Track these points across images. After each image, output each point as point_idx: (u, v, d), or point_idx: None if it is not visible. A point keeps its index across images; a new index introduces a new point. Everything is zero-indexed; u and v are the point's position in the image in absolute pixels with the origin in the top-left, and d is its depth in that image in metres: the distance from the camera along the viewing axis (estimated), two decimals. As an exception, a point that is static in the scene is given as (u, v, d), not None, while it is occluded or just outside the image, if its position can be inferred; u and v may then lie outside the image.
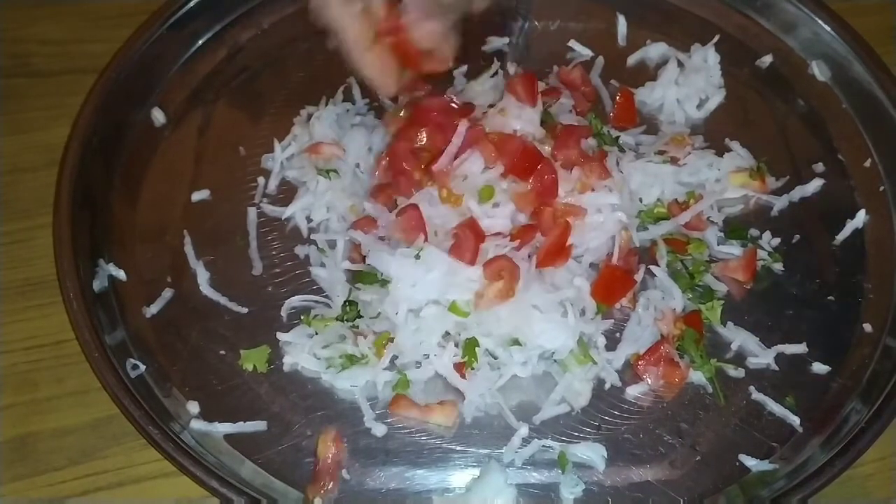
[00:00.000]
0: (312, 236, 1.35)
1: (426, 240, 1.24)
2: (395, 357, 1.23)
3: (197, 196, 1.39)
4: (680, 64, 1.52)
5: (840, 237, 1.38)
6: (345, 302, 1.27)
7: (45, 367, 1.25)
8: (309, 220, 1.37)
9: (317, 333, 1.25)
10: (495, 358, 1.23)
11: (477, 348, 1.21)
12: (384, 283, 1.24)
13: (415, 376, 1.23)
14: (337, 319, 1.26)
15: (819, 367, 1.26)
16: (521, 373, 1.23)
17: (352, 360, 1.23)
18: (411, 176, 1.30)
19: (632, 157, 1.40)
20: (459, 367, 1.22)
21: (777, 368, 1.26)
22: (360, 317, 1.26)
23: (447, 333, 1.24)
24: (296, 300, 1.29)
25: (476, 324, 1.23)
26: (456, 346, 1.22)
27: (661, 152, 1.41)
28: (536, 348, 1.22)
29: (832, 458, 1.15)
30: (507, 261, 1.22)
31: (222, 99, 1.51)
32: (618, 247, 1.30)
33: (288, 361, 1.25)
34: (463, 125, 1.28)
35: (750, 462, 1.19)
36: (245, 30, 1.59)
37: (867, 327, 1.30)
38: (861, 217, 1.39)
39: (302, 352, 1.24)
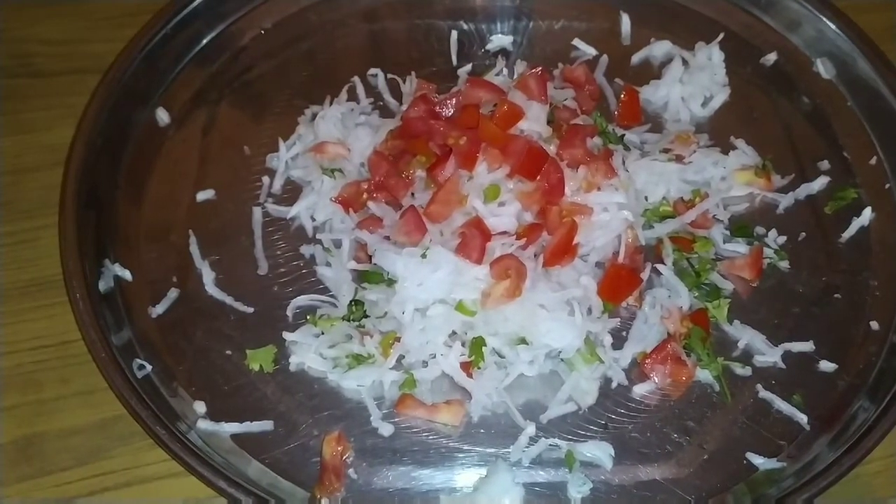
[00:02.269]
0: (318, 236, 1.35)
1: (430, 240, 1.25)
2: (401, 357, 1.23)
3: (202, 196, 1.39)
4: (684, 62, 1.52)
5: (846, 235, 1.37)
6: (351, 301, 1.27)
7: (51, 367, 1.25)
8: (313, 219, 1.37)
9: (323, 333, 1.25)
10: (502, 357, 1.23)
11: (484, 347, 1.21)
12: (391, 282, 1.24)
13: (421, 376, 1.22)
14: (343, 319, 1.26)
15: (826, 365, 1.26)
16: (528, 371, 1.22)
17: (358, 359, 1.22)
18: (404, 178, 1.31)
19: (637, 155, 1.40)
20: (466, 367, 1.22)
21: (784, 366, 1.26)
22: (367, 316, 1.25)
23: (454, 333, 1.23)
24: (302, 300, 1.29)
25: (483, 323, 1.22)
26: (463, 345, 1.22)
27: (666, 150, 1.41)
28: (543, 347, 1.22)
29: (840, 455, 1.15)
30: (514, 259, 1.21)
31: (226, 99, 1.51)
32: (624, 245, 1.30)
33: (294, 361, 1.24)
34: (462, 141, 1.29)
35: (757, 460, 1.19)
36: (248, 29, 1.59)
37: (874, 325, 1.30)
38: (867, 215, 1.38)
39: (308, 351, 1.24)
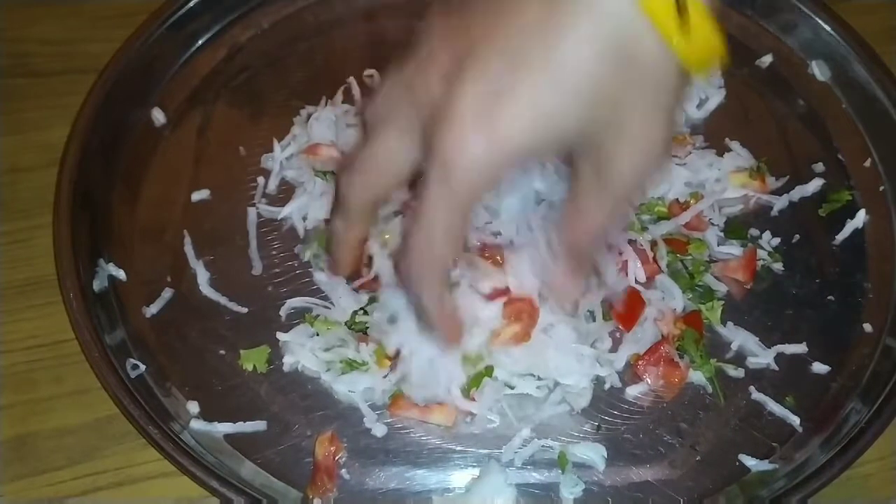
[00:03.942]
0: (306, 249, 1.34)
1: None
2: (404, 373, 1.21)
3: (197, 196, 1.39)
4: (680, 64, 1.52)
5: (840, 237, 1.38)
6: (356, 312, 1.25)
7: (45, 366, 1.25)
8: (304, 218, 1.37)
9: (318, 335, 1.25)
10: (511, 388, 1.22)
11: (486, 379, 1.19)
12: (393, 319, 1.21)
13: (414, 393, 1.21)
14: (346, 325, 1.25)
15: (819, 367, 1.26)
16: (536, 394, 1.21)
17: (352, 365, 1.22)
18: None
19: None
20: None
21: (777, 368, 1.26)
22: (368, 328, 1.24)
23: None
24: (296, 301, 1.29)
25: (490, 358, 1.21)
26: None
27: (661, 151, 1.41)
28: (551, 379, 1.22)
29: (832, 457, 1.15)
30: (528, 303, 1.19)
31: (222, 99, 1.51)
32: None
33: (288, 361, 1.24)
34: None
35: (750, 462, 1.19)
36: (245, 29, 1.59)
37: (867, 327, 1.30)
38: (861, 217, 1.38)
39: (302, 350, 1.24)
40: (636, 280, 1.27)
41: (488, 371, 1.20)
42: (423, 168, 0.89)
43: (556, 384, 1.22)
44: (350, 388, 1.22)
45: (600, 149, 0.86)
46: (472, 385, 1.19)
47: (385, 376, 1.21)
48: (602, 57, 0.79)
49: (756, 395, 1.23)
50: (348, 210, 1.06)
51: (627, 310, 1.25)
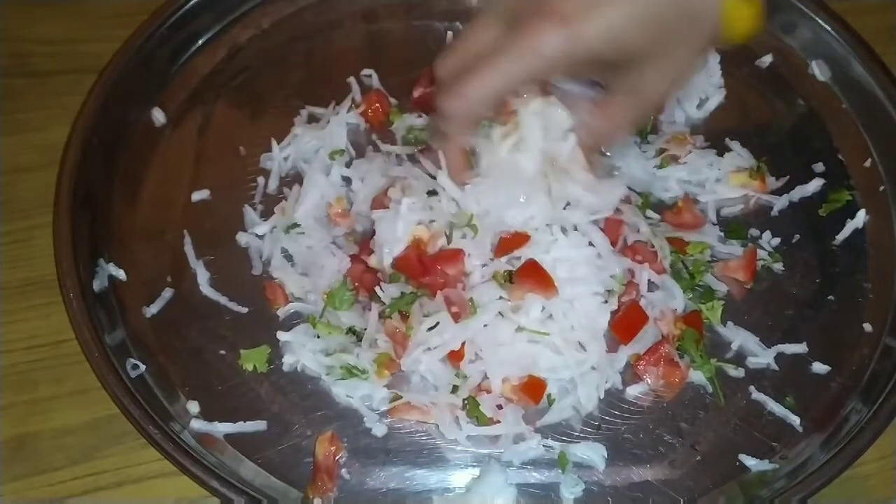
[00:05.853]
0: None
1: None
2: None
3: (197, 196, 1.39)
4: (680, 64, 1.52)
5: (840, 237, 1.38)
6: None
7: (45, 366, 1.25)
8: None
9: (318, 336, 1.25)
10: None
11: (479, 407, 1.19)
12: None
13: (414, 397, 1.21)
14: (348, 331, 1.25)
15: (819, 367, 1.26)
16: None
17: (352, 372, 1.21)
18: None
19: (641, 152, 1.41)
20: None
21: (777, 368, 1.26)
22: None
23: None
24: (297, 305, 1.28)
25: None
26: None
27: (661, 151, 1.41)
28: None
29: (832, 457, 1.15)
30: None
31: (222, 99, 1.51)
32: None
33: (288, 361, 1.24)
34: None
35: (750, 462, 1.19)
36: (245, 29, 1.59)
37: (867, 327, 1.30)
38: (861, 217, 1.38)
39: (303, 350, 1.24)
40: (645, 283, 1.27)
41: (473, 404, 1.19)
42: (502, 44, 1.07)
43: (567, 392, 1.22)
44: (348, 393, 1.22)
45: (639, 65, 1.09)
46: (471, 412, 1.19)
47: (384, 386, 1.21)
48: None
49: (756, 395, 1.23)
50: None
51: (628, 323, 1.25)
